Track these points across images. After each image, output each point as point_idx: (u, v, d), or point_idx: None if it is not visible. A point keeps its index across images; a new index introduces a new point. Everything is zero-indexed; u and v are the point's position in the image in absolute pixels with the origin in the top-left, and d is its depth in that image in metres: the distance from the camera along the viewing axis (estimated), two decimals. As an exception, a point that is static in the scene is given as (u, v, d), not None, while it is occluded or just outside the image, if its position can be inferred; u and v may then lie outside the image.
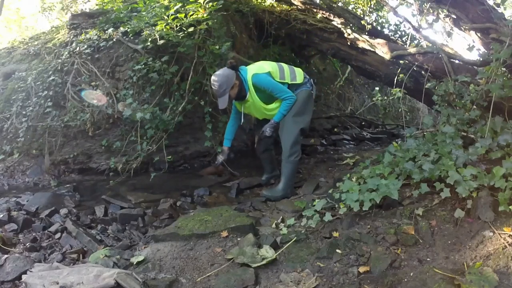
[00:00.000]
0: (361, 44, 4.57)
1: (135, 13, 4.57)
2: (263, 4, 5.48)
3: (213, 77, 3.25)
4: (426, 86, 3.27)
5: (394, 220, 2.39)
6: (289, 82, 3.36)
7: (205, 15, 3.91)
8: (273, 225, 2.68)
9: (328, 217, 2.52)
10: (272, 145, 3.74)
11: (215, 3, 3.94)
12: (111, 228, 2.85)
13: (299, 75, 3.44)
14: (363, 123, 7.48)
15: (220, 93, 3.22)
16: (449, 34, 3.85)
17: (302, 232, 2.46)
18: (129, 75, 4.09)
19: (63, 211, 3.08)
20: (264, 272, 2.12)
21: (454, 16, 3.41)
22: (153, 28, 4.00)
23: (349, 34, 4.66)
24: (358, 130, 6.98)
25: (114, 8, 4.82)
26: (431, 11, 3.62)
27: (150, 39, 3.91)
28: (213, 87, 3.27)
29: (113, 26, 4.49)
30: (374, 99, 7.35)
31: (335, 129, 6.82)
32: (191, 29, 3.86)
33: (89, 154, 4.24)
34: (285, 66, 3.43)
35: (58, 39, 4.97)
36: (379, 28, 5.63)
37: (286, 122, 3.33)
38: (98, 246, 2.52)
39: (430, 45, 3.74)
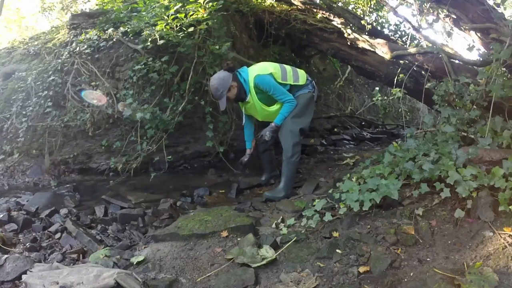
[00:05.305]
0: (361, 44, 4.57)
1: (135, 13, 4.56)
2: (263, 4, 5.47)
3: (210, 80, 3.33)
4: (426, 86, 3.26)
5: (394, 220, 2.38)
6: (292, 83, 3.38)
7: (205, 15, 3.90)
8: (273, 225, 2.68)
9: (328, 217, 2.52)
10: (272, 146, 3.75)
11: (215, 3, 3.93)
12: (111, 228, 2.85)
13: (302, 76, 3.45)
14: (363, 123, 7.48)
15: (218, 96, 3.28)
16: (449, 34, 3.84)
17: (302, 232, 2.46)
18: (129, 75, 4.08)
19: (63, 211, 3.08)
20: (264, 272, 2.11)
21: (454, 16, 3.41)
22: (153, 28, 3.99)
23: (349, 34, 4.66)
24: (358, 130, 6.97)
25: (114, 8, 4.81)
26: (431, 11, 3.62)
27: (150, 39, 3.91)
28: (211, 89, 3.34)
29: (113, 26, 4.48)
30: (374, 99, 7.35)
31: (335, 129, 6.81)
32: (191, 29, 3.85)
33: (89, 154, 4.24)
34: (287, 67, 3.44)
35: (58, 39, 4.97)
36: (379, 28, 5.62)
37: (286, 123, 3.33)
38: (98, 246, 2.52)
39: (430, 45, 3.73)
